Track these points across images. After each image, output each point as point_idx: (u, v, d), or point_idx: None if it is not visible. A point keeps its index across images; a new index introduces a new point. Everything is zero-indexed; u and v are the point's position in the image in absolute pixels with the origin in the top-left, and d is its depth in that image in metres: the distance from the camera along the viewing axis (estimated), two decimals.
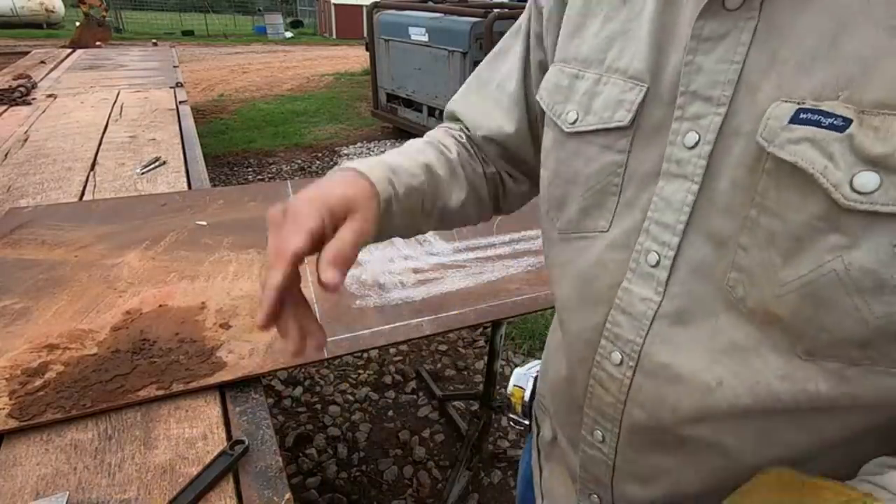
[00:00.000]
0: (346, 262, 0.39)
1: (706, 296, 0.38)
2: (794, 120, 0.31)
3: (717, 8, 0.35)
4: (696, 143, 0.37)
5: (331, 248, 0.39)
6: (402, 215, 0.49)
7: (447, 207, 0.54)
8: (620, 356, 0.43)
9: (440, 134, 0.60)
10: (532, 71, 0.54)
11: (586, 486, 0.52)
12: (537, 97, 0.50)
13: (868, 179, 0.29)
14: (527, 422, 0.72)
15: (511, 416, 0.74)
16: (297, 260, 0.39)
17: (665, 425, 0.41)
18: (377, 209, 0.45)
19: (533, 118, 0.56)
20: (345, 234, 0.40)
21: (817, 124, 0.30)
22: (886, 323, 0.30)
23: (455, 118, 0.62)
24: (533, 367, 0.72)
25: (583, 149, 0.45)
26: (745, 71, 0.35)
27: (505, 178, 0.61)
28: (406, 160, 0.51)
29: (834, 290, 0.31)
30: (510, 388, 0.72)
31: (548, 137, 0.49)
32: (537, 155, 0.53)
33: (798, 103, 0.32)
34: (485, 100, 0.59)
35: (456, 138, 0.60)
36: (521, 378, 0.72)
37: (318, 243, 0.40)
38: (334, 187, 0.43)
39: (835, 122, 0.30)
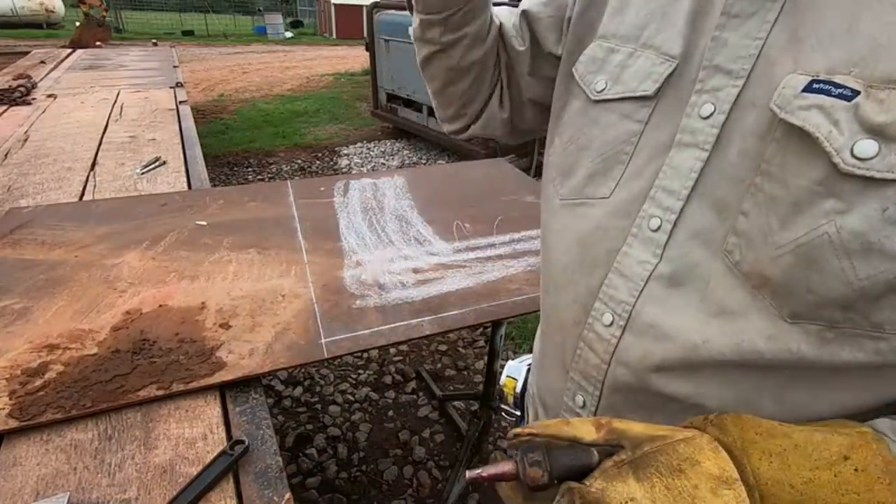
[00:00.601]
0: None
1: (702, 260, 0.40)
2: (807, 89, 0.33)
3: None
4: (711, 114, 0.39)
5: None
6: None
7: (469, 34, 0.57)
8: (612, 317, 0.45)
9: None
10: (554, 21, 0.56)
11: None
12: (573, 70, 0.52)
13: (868, 146, 0.31)
14: (518, 413, 0.73)
15: (503, 406, 0.74)
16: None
17: (647, 384, 0.43)
18: None
19: (536, 53, 0.58)
20: None
21: (827, 93, 0.33)
22: (869, 285, 0.32)
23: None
24: (525, 359, 0.73)
25: (603, 116, 0.47)
26: (765, 46, 0.37)
27: (503, 87, 0.63)
28: None
29: (824, 252, 0.33)
30: (503, 378, 0.73)
31: (571, 107, 0.52)
32: (526, 90, 0.60)
33: (813, 75, 0.34)
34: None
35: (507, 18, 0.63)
36: (514, 369, 0.73)
37: None
38: None
39: (843, 92, 0.32)
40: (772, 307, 0.36)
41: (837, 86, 0.32)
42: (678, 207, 0.40)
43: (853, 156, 0.31)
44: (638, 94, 0.44)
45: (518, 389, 0.72)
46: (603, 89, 0.47)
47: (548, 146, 0.56)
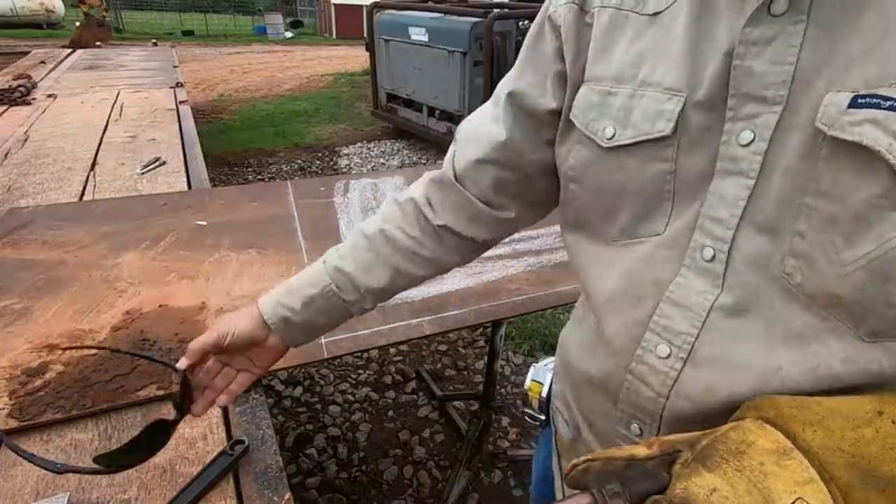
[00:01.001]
0: (191, 351, 0.57)
1: (762, 286, 0.39)
2: (853, 104, 0.33)
3: (762, 15, 0.37)
4: (752, 141, 0.38)
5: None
6: (315, 317, 0.61)
7: (375, 288, 0.61)
8: (668, 348, 0.43)
9: (419, 191, 0.66)
10: (549, 80, 0.53)
11: None
12: (571, 117, 0.50)
13: None
14: (543, 417, 0.72)
15: (527, 411, 0.74)
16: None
17: (711, 416, 0.41)
18: (252, 322, 0.59)
19: (536, 125, 0.55)
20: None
21: (877, 106, 0.32)
22: None
23: (466, 138, 0.64)
24: (550, 362, 0.72)
25: (627, 162, 0.46)
26: (798, 70, 0.36)
27: (483, 212, 0.61)
28: (310, 272, 0.62)
29: None
30: (528, 382, 0.72)
31: (581, 155, 0.50)
32: (539, 162, 0.56)
33: (852, 91, 0.33)
34: (483, 116, 0.61)
35: (435, 185, 0.64)
36: (540, 373, 0.72)
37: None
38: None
39: (893, 104, 0.32)
40: (846, 327, 0.36)
41: (886, 98, 0.32)
42: (729, 237, 0.40)
43: None
44: (654, 135, 0.43)
45: (543, 394, 0.71)
46: (613, 135, 0.46)
47: (562, 190, 0.55)
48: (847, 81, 0.34)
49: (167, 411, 0.70)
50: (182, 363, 0.56)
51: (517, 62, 0.57)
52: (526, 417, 0.76)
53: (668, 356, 0.43)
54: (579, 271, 0.54)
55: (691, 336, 0.42)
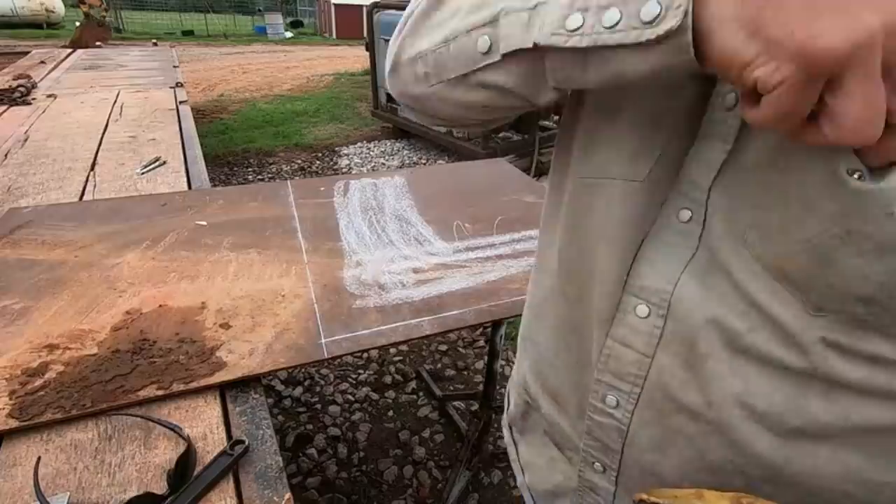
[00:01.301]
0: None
1: (729, 250, 0.39)
2: None
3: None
4: (734, 106, 0.37)
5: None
6: None
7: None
8: (647, 308, 0.43)
9: None
10: None
11: (590, 455, 0.52)
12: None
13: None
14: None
15: None
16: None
17: (699, 369, 0.41)
18: None
19: None
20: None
21: None
22: (885, 280, 0.32)
23: None
24: None
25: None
26: None
27: None
28: None
29: (836, 254, 0.32)
30: None
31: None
32: None
33: None
34: None
35: None
36: None
37: None
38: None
39: None
40: (797, 300, 0.36)
41: None
42: (703, 199, 0.39)
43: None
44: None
45: None
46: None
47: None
48: None
49: (167, 411, 0.70)
50: None
51: None
52: None
53: (648, 315, 0.43)
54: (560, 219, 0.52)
55: (667, 293, 0.42)
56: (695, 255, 0.41)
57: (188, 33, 16.85)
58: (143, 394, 0.71)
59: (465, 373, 2.14)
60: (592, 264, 0.47)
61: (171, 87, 2.73)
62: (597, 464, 0.52)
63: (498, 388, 1.63)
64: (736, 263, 0.39)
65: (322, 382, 2.04)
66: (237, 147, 4.96)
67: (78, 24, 5.95)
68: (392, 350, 2.20)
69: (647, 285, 0.43)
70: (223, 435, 0.67)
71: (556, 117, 4.63)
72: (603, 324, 0.47)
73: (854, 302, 0.33)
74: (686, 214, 0.41)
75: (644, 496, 0.39)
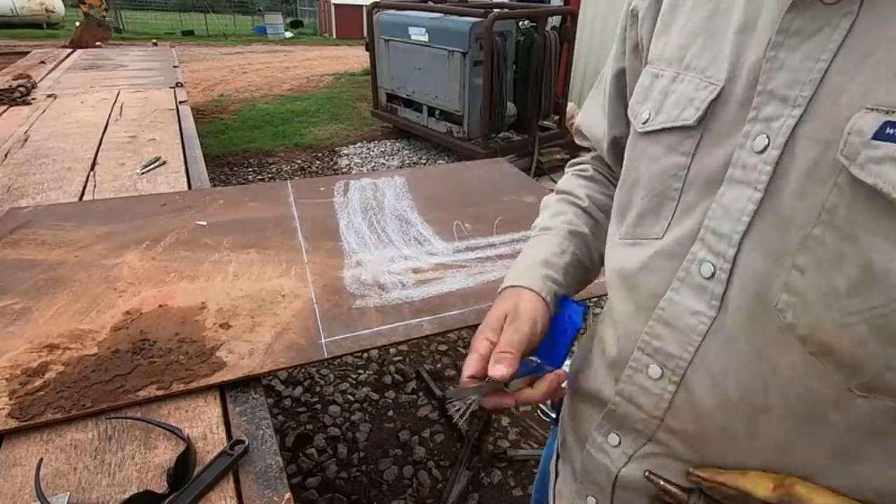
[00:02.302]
0: (504, 357, 0.45)
1: (756, 316, 0.35)
2: (879, 135, 0.28)
3: (811, 1, 0.32)
4: (765, 148, 0.34)
5: (494, 351, 0.46)
6: (575, 284, 0.56)
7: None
8: (660, 370, 0.40)
9: (569, 182, 0.65)
10: (628, 77, 0.53)
11: (585, 487, 0.52)
12: (629, 102, 0.49)
13: None
14: (554, 415, 0.72)
15: (541, 406, 0.74)
16: (476, 377, 0.47)
17: (706, 440, 0.40)
18: (544, 305, 0.50)
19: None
20: (503, 337, 0.47)
21: None
22: None
23: (580, 132, 0.65)
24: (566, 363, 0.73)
25: (650, 149, 0.43)
26: (830, 71, 0.31)
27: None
28: (550, 243, 0.57)
29: None
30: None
31: (629, 142, 0.48)
32: None
33: (887, 112, 0.28)
34: (595, 106, 0.61)
35: (581, 175, 0.64)
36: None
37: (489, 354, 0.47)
38: (496, 308, 0.52)
39: None
40: (836, 377, 0.32)
41: None
42: (731, 255, 0.36)
43: None
44: (679, 123, 0.40)
45: None
46: (647, 120, 0.43)
47: None
48: (884, 96, 0.28)
49: (167, 411, 0.70)
50: (501, 372, 0.44)
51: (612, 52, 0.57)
52: (539, 413, 0.76)
53: (661, 378, 0.41)
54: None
55: (684, 361, 0.39)
56: (716, 318, 0.37)
57: (188, 33, 16.85)
58: (143, 394, 0.71)
59: None
60: (612, 310, 0.47)
61: (171, 87, 2.73)
62: (591, 498, 0.52)
63: None
64: (766, 332, 0.35)
65: (322, 382, 2.04)
66: (237, 147, 4.96)
67: (78, 24, 5.95)
68: (392, 350, 2.20)
69: (661, 348, 0.40)
70: (223, 435, 0.67)
71: (556, 117, 4.63)
72: (613, 370, 0.46)
73: None
74: (708, 269, 0.37)
75: (696, 471, 0.39)
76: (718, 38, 0.38)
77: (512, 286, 0.54)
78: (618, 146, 0.59)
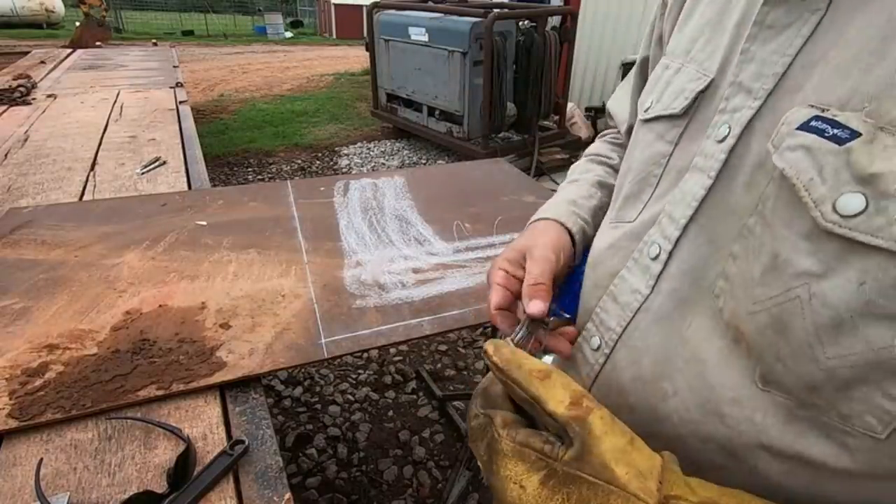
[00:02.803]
0: (539, 290, 0.44)
1: (689, 299, 0.36)
2: (804, 126, 0.29)
3: None
4: (725, 137, 0.35)
5: (523, 288, 0.46)
6: (592, 230, 0.55)
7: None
8: (599, 341, 0.43)
9: (599, 146, 0.66)
10: (650, 67, 0.54)
11: None
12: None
13: (851, 201, 0.26)
14: None
15: None
16: (501, 310, 0.47)
17: (620, 418, 0.41)
18: (568, 238, 0.51)
19: None
20: (529, 268, 0.47)
21: (821, 133, 0.28)
22: (836, 366, 0.27)
23: (609, 113, 0.66)
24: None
25: (644, 136, 0.45)
26: (793, 66, 0.32)
27: None
28: (579, 188, 0.58)
29: (794, 319, 0.29)
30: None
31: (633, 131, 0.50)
32: None
33: (821, 110, 0.29)
34: (623, 92, 0.62)
35: (611, 142, 0.65)
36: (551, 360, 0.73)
37: (512, 287, 0.47)
38: (515, 243, 0.51)
39: (839, 134, 0.27)
40: (747, 366, 0.32)
41: (836, 125, 0.27)
42: (675, 237, 0.37)
43: (835, 210, 0.26)
44: (668, 112, 0.41)
45: None
46: (648, 108, 0.45)
47: None
48: (826, 95, 0.29)
49: (167, 411, 0.70)
50: (539, 307, 0.42)
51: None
52: None
53: (598, 349, 0.43)
54: None
55: (616, 334, 0.41)
56: (648, 296, 0.39)
57: (188, 33, 16.84)
58: (142, 394, 0.71)
59: (465, 373, 2.13)
60: (586, 292, 0.48)
61: (171, 87, 2.73)
62: None
63: None
64: (694, 315, 0.36)
65: (322, 382, 2.04)
66: (237, 147, 4.96)
67: (78, 24, 5.95)
68: (392, 350, 2.20)
69: (605, 320, 0.43)
70: (223, 435, 0.67)
71: (556, 117, 4.63)
72: (578, 343, 0.47)
73: (800, 386, 0.30)
74: (654, 250, 0.39)
75: (490, 350, 0.36)
76: (721, 31, 0.39)
77: (536, 220, 0.54)
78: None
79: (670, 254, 0.37)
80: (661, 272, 0.38)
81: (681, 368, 0.36)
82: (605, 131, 0.70)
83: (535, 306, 0.43)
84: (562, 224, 0.52)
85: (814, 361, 0.28)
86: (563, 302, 0.51)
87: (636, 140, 0.46)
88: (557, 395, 0.32)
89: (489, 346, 0.36)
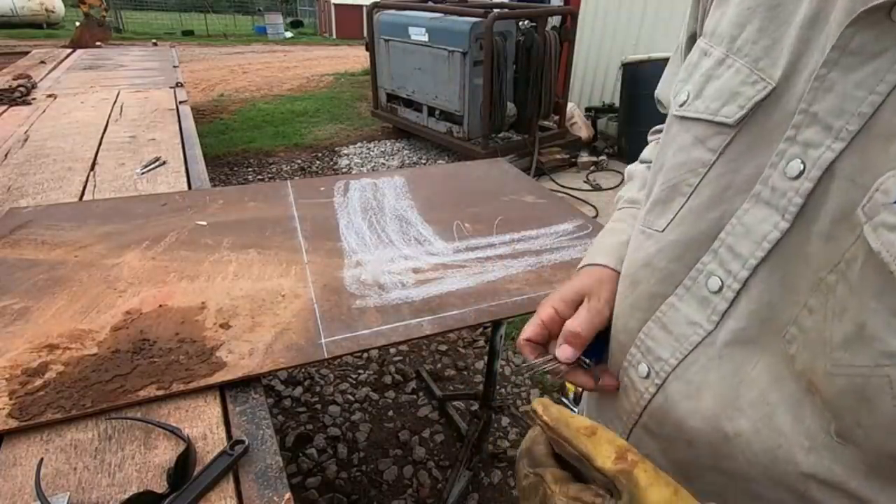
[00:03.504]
0: (577, 341, 0.45)
1: (757, 340, 0.34)
2: None
3: (880, 17, 0.26)
4: (799, 175, 0.31)
5: (563, 329, 0.46)
6: None
7: None
8: (647, 369, 0.41)
9: (639, 173, 0.62)
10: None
11: None
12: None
13: None
14: (576, 409, 0.73)
15: (563, 399, 0.75)
16: (529, 342, 0.48)
17: (675, 448, 0.40)
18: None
19: None
20: (578, 314, 0.46)
21: None
22: None
23: (658, 100, 0.62)
24: None
25: (680, 136, 0.40)
26: (884, 106, 0.27)
27: None
28: (625, 230, 0.55)
29: (880, 396, 0.27)
30: None
31: (666, 121, 0.46)
32: None
33: None
34: (672, 74, 0.57)
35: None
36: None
37: (553, 328, 0.47)
38: (573, 282, 0.50)
39: None
40: (822, 418, 0.31)
41: None
42: (744, 277, 0.34)
43: None
44: (717, 119, 0.36)
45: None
46: (685, 102, 0.40)
47: None
48: None
49: (167, 411, 0.70)
50: (567, 355, 0.44)
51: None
52: (563, 404, 0.76)
53: (647, 377, 0.41)
54: None
55: (669, 366, 0.39)
56: (711, 332, 0.37)
57: (188, 33, 16.84)
58: (143, 394, 0.71)
59: (465, 373, 2.13)
60: (620, 307, 0.47)
61: (171, 87, 2.73)
62: None
63: (498, 387, 1.63)
64: (761, 357, 0.34)
65: (322, 382, 2.04)
66: (237, 147, 4.96)
67: (78, 24, 5.95)
68: (392, 350, 2.20)
69: (653, 348, 0.40)
70: (223, 435, 0.67)
71: (556, 117, 4.63)
72: (617, 360, 0.46)
73: (881, 454, 0.28)
74: (716, 283, 0.36)
75: (538, 408, 0.38)
76: (781, 24, 0.33)
77: (593, 264, 0.52)
78: None
79: (738, 292, 0.35)
80: (726, 309, 0.36)
81: (745, 410, 0.35)
82: (658, 127, 0.65)
83: (565, 353, 0.44)
84: (619, 273, 0.50)
85: None
86: (593, 350, 0.51)
87: (670, 136, 0.42)
88: (604, 451, 0.33)
89: (538, 405, 0.38)
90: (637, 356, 0.42)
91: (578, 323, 0.45)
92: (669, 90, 0.58)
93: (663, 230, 0.41)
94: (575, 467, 0.36)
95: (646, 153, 0.64)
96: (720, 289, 0.36)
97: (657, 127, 0.63)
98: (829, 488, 0.31)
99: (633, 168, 0.64)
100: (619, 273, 0.49)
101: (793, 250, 0.32)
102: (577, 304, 0.48)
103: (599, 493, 0.33)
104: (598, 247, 0.55)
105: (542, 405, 0.37)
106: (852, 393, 0.28)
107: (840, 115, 0.29)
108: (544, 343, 0.48)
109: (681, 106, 0.41)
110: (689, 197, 0.39)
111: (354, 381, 2.05)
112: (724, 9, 0.39)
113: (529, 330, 0.47)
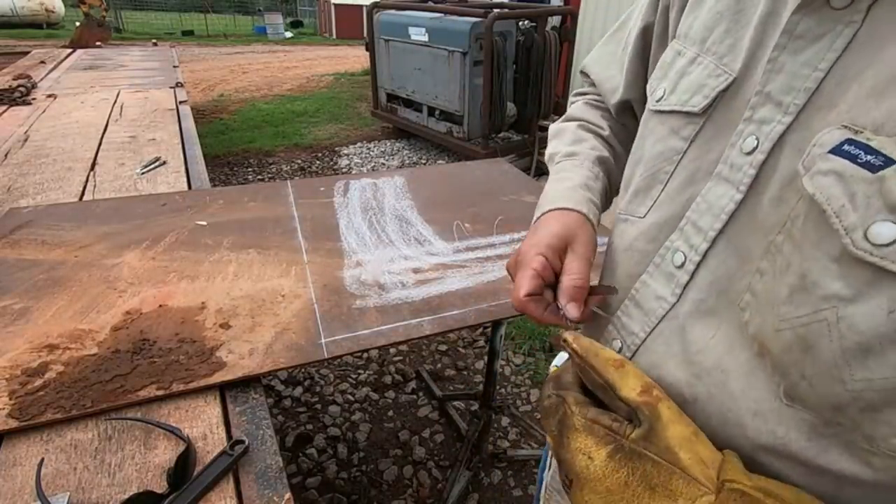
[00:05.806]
0: (581, 292, 0.44)
1: (714, 310, 0.37)
2: (836, 150, 0.28)
3: (819, 4, 0.31)
4: (753, 150, 0.34)
5: (566, 286, 0.45)
6: (602, 211, 0.55)
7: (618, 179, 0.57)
8: (620, 344, 0.44)
9: (584, 111, 0.63)
10: (654, 35, 0.52)
11: None
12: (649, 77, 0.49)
13: (883, 230, 0.25)
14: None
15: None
16: (532, 298, 0.45)
17: None
18: (592, 229, 0.50)
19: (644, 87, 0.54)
20: (573, 266, 0.46)
21: (853, 159, 0.27)
22: (862, 389, 0.27)
23: (586, 74, 0.64)
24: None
25: (657, 129, 0.44)
26: (826, 81, 0.31)
27: None
28: (583, 170, 0.56)
29: (821, 341, 0.28)
30: (551, 368, 0.74)
31: (642, 117, 0.49)
32: None
33: (855, 132, 0.28)
34: (610, 55, 0.60)
35: (596, 106, 0.63)
36: (560, 359, 0.73)
37: (547, 277, 0.46)
38: (550, 228, 0.49)
39: (872, 160, 0.26)
40: (771, 381, 0.32)
41: (869, 150, 0.27)
42: (703, 249, 0.37)
43: (866, 238, 0.26)
44: (686, 108, 0.40)
45: None
46: (661, 98, 0.44)
47: None
48: (863, 114, 0.28)
49: (167, 411, 0.70)
50: (575, 314, 0.43)
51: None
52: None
53: (619, 351, 0.44)
54: None
55: (638, 339, 0.42)
56: (675, 305, 0.39)
57: (188, 33, 16.84)
58: (143, 394, 0.71)
59: (465, 373, 2.13)
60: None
61: (171, 87, 2.73)
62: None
63: (498, 387, 1.63)
64: (718, 326, 0.36)
65: (322, 382, 2.04)
66: (237, 147, 4.96)
67: (78, 24, 5.94)
68: (392, 350, 2.20)
69: (627, 324, 0.43)
70: (223, 435, 0.67)
71: (556, 117, 4.63)
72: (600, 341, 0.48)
73: (825, 405, 0.30)
74: (679, 258, 0.39)
75: (568, 337, 0.39)
76: (743, 23, 0.38)
77: (558, 208, 0.51)
78: (627, 110, 0.59)
79: (698, 264, 0.38)
80: (688, 282, 0.38)
81: (702, 377, 0.36)
82: (583, 90, 0.67)
83: (573, 311, 0.43)
84: (587, 218, 0.50)
85: (840, 383, 0.28)
86: None
87: (648, 130, 0.46)
88: (630, 383, 0.35)
89: (568, 335, 0.39)
90: (612, 332, 0.45)
91: (578, 276, 0.45)
92: (604, 72, 0.60)
93: (644, 216, 0.44)
94: (598, 399, 0.38)
95: (577, 112, 0.65)
96: (683, 263, 0.38)
97: (578, 90, 0.67)
98: (773, 454, 0.33)
99: (559, 125, 0.65)
100: (584, 214, 0.50)
101: (746, 219, 0.35)
102: (561, 250, 0.47)
103: (618, 419, 0.34)
104: (554, 193, 0.53)
105: (572, 335, 0.39)
106: (797, 344, 0.30)
107: (788, 91, 0.33)
108: (541, 293, 0.47)
109: (657, 101, 0.44)
110: (665, 184, 0.42)
111: (354, 381, 2.05)
112: (696, 14, 0.43)
113: (528, 284, 0.45)
